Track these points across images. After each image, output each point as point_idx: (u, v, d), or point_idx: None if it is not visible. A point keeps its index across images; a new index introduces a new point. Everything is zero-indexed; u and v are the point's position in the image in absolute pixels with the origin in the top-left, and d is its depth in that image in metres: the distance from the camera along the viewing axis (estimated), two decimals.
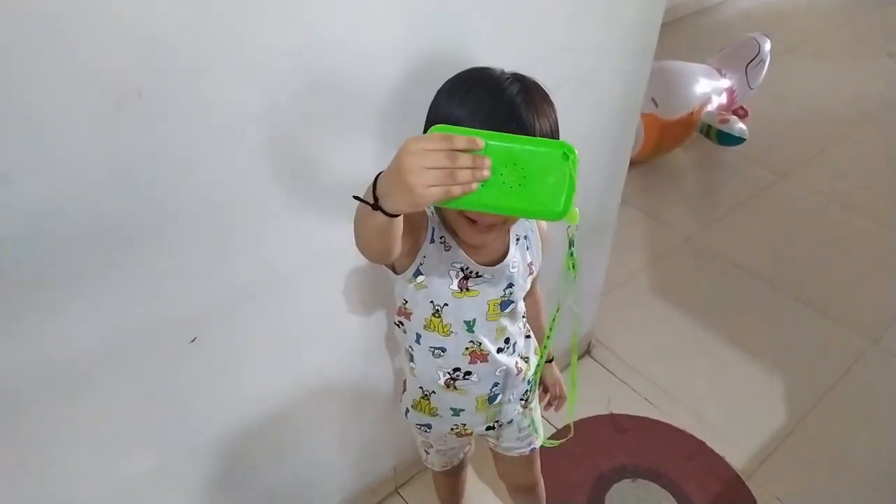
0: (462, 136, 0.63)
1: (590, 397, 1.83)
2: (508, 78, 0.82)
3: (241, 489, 1.24)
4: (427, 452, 1.29)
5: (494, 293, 0.97)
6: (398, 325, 1.04)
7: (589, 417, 1.80)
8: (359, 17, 0.88)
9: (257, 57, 0.81)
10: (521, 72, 0.84)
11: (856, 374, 1.96)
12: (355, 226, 0.77)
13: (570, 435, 1.17)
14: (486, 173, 0.63)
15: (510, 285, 0.98)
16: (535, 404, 1.23)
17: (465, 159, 0.62)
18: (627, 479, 1.66)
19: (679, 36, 3.87)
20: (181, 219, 0.86)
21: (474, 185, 0.63)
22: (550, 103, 0.84)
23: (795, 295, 2.21)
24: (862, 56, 3.78)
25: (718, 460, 1.71)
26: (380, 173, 0.68)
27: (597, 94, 1.35)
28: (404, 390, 1.15)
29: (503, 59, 0.86)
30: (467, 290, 0.95)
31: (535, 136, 0.78)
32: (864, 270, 2.34)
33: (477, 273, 0.94)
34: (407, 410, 1.13)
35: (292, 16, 0.81)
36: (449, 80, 0.84)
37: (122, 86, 0.73)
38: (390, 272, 0.97)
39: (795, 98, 3.31)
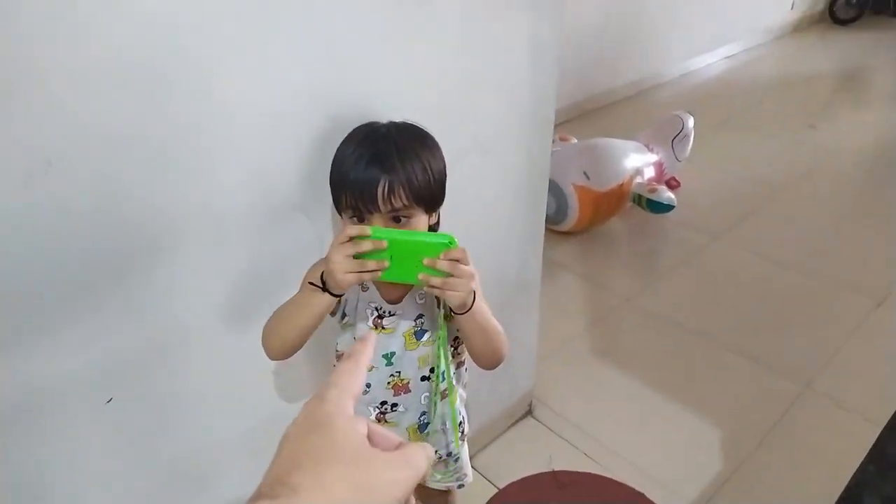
0: (368, 241, 0.86)
1: (532, 456, 1.86)
2: (386, 123, 0.96)
3: None
4: None
5: (406, 325, 1.05)
6: None
7: (530, 475, 1.81)
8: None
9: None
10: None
11: (791, 418, 2.01)
12: (282, 317, 0.99)
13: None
14: (386, 263, 0.88)
15: (420, 315, 1.05)
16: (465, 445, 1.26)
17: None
18: None
19: (616, 117, 4.15)
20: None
21: (378, 274, 0.88)
22: (426, 143, 0.96)
23: (730, 347, 2.29)
24: (785, 128, 4.05)
25: None
26: (312, 266, 0.98)
27: (501, 162, 1.46)
28: None
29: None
30: (382, 328, 1.04)
31: (393, 154, 0.90)
32: (792, 320, 2.44)
33: (389, 312, 1.04)
34: None
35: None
36: None
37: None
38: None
39: (725, 168, 3.53)
